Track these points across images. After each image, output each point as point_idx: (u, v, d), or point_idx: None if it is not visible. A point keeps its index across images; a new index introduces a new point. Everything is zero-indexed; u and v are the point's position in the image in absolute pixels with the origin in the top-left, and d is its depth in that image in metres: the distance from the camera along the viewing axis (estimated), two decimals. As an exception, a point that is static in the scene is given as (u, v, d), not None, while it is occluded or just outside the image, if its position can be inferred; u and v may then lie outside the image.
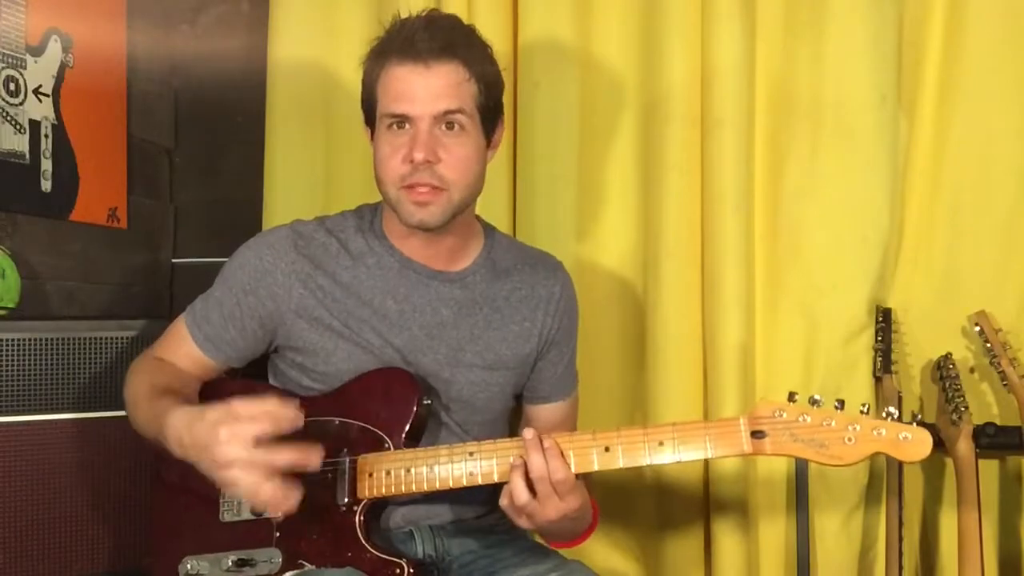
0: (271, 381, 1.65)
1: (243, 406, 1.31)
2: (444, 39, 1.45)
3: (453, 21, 1.53)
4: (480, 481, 1.41)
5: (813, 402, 1.32)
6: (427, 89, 1.44)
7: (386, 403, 1.49)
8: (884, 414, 1.30)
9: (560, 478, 1.35)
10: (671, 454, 1.35)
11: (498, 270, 1.64)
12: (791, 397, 1.33)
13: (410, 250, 1.57)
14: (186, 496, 1.55)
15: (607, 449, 1.37)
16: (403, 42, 1.46)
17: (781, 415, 1.32)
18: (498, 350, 1.61)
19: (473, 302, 1.60)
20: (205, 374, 1.60)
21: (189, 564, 1.50)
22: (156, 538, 1.61)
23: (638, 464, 1.37)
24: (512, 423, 1.76)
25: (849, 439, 1.29)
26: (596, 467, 1.37)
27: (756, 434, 1.33)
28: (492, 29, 2.01)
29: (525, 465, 1.36)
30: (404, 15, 1.52)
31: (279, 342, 1.58)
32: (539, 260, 1.70)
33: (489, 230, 1.68)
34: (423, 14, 1.51)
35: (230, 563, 1.47)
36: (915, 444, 1.29)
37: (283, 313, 1.55)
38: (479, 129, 1.51)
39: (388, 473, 1.44)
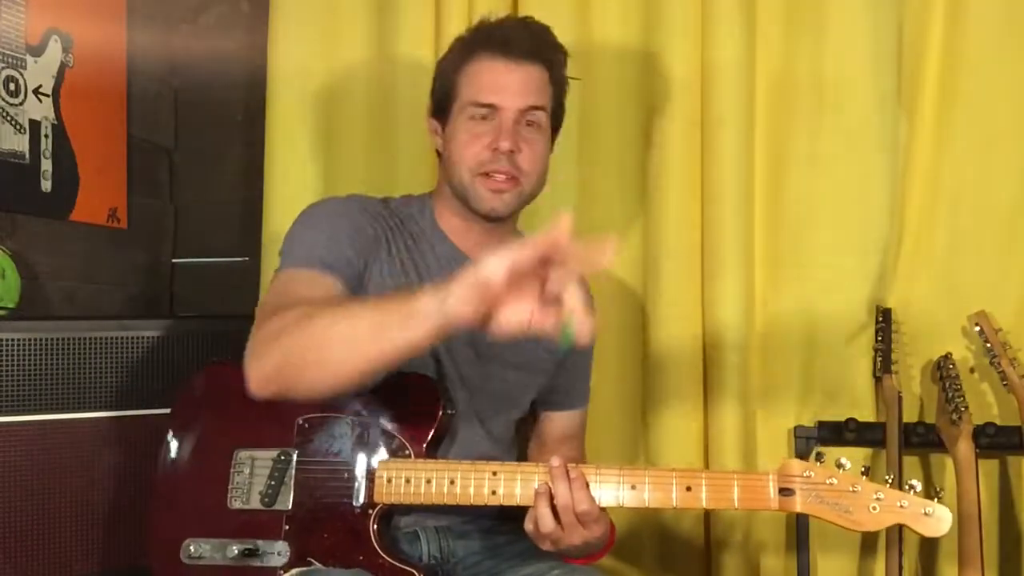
0: None
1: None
2: (536, 43, 1.54)
3: (544, 28, 1.59)
4: (502, 502, 1.41)
5: (839, 465, 1.34)
6: (517, 84, 1.52)
7: (409, 409, 1.48)
8: (907, 487, 1.33)
9: (584, 509, 1.35)
10: (698, 501, 1.36)
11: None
12: (819, 456, 1.36)
13: (461, 243, 1.60)
14: (193, 478, 1.53)
15: (634, 487, 1.37)
16: (498, 40, 1.53)
17: (809, 475, 1.34)
18: (533, 349, 1.61)
19: None
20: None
21: (192, 547, 1.49)
22: (156, 518, 1.57)
23: (664, 506, 1.38)
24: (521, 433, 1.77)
25: (873, 508, 1.32)
26: (622, 503, 1.37)
27: (784, 491, 1.34)
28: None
29: (550, 492, 1.36)
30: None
31: None
32: None
33: (524, 235, 1.70)
34: (517, 17, 1.65)
35: (235, 551, 1.46)
36: (935, 521, 1.32)
37: (370, 268, 1.52)
38: (549, 130, 1.58)
39: (408, 481, 1.43)
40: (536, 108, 1.53)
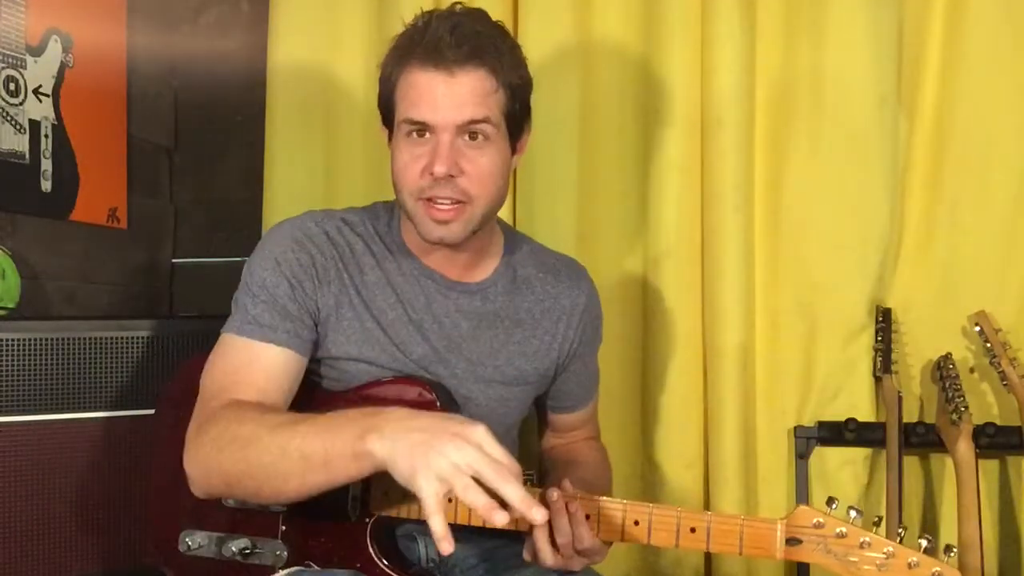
0: None
1: (493, 444, 1.17)
2: (471, 45, 1.35)
3: (481, 22, 1.41)
4: (499, 525, 1.38)
5: (852, 513, 1.29)
6: (451, 97, 1.35)
7: None
8: (918, 543, 1.27)
9: (586, 547, 1.31)
10: (701, 543, 1.31)
11: (519, 281, 1.56)
12: (830, 502, 1.31)
13: (428, 259, 1.50)
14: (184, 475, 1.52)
15: (636, 523, 1.32)
16: (427, 46, 1.35)
17: (819, 523, 1.29)
18: (519, 365, 1.54)
19: (493, 315, 1.53)
20: (286, 378, 1.42)
21: (188, 539, 1.48)
22: (153, 511, 1.57)
23: (666, 545, 1.33)
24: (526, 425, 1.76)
25: (881, 566, 1.26)
26: (622, 538, 1.34)
27: (791, 541, 1.29)
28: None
29: (550, 526, 1.30)
30: (412, 13, 1.44)
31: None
32: (563, 268, 1.62)
33: (510, 236, 1.60)
34: (448, 13, 1.40)
35: (233, 549, 1.44)
36: None
37: (321, 309, 1.45)
38: (505, 138, 1.42)
39: (405, 495, 1.37)
40: (477, 121, 1.36)
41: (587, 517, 1.33)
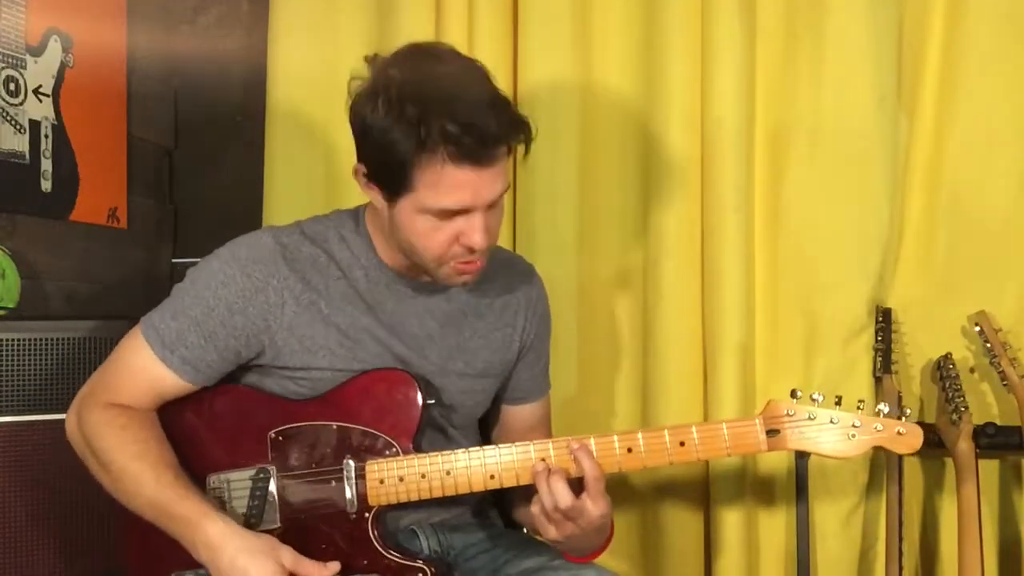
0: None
1: (296, 563, 1.36)
2: (499, 131, 1.35)
3: (502, 104, 1.39)
4: (504, 484, 1.41)
5: (814, 400, 1.43)
6: (486, 181, 1.37)
7: (388, 406, 1.46)
8: (876, 411, 1.43)
9: (568, 506, 1.36)
10: (692, 453, 1.42)
11: (479, 276, 1.57)
12: (793, 393, 1.44)
13: (395, 263, 1.53)
14: None
15: (630, 450, 1.41)
16: (462, 142, 1.32)
17: (791, 413, 1.43)
18: (485, 357, 1.59)
19: (459, 312, 1.57)
20: (172, 397, 1.50)
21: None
22: (134, 556, 1.52)
23: (661, 464, 1.43)
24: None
25: (851, 435, 1.43)
26: (620, 468, 1.42)
27: (771, 432, 1.43)
28: (492, 32, 2.02)
29: (553, 471, 1.38)
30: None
31: (265, 360, 1.50)
32: (513, 263, 1.69)
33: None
34: (481, 102, 1.35)
35: None
36: (909, 438, 1.43)
37: (274, 332, 1.47)
38: None
39: (401, 479, 1.41)
40: (502, 193, 1.41)
41: None
